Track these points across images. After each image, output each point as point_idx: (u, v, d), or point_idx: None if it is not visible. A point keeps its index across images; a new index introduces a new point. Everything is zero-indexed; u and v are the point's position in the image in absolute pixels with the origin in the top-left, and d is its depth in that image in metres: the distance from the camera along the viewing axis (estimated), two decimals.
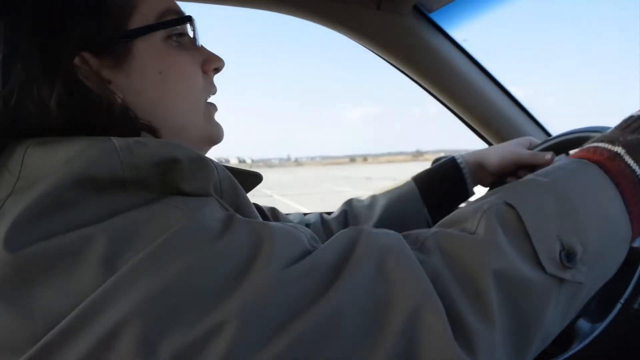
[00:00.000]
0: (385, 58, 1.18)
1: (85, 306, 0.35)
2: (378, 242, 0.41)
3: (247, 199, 0.49)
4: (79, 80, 0.49)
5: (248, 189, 0.58)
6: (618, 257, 0.49)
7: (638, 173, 0.50)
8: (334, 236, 0.43)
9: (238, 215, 0.42)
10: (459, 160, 0.87)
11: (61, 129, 0.48)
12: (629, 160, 0.50)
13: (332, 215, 0.89)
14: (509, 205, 0.45)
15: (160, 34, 0.54)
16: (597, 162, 0.50)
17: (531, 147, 0.86)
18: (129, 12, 0.53)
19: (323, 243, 0.86)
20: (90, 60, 0.51)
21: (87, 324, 0.35)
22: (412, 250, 0.42)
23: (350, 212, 0.87)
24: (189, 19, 0.56)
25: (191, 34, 0.57)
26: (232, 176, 0.47)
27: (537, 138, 1.19)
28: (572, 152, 0.55)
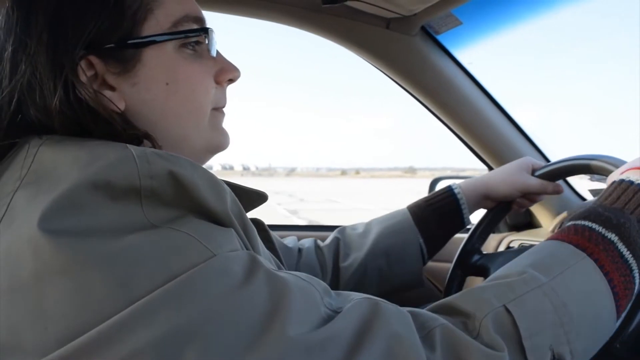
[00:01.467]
0: (392, 77, 1.20)
1: (100, 331, 0.35)
2: (391, 328, 0.42)
3: (251, 225, 0.49)
4: (79, 88, 0.48)
5: (251, 208, 0.57)
6: (598, 348, 0.51)
7: (630, 263, 0.51)
8: (351, 305, 0.44)
9: (258, 258, 0.43)
10: (456, 191, 0.86)
11: (64, 130, 0.48)
12: (622, 248, 0.51)
13: (325, 242, 0.88)
14: (508, 311, 0.46)
15: (173, 42, 0.52)
16: (592, 256, 0.50)
17: (534, 170, 0.87)
18: (144, 17, 0.51)
19: (319, 267, 0.84)
20: (97, 65, 0.50)
21: (100, 351, 0.35)
22: (419, 338, 0.43)
23: (342, 240, 0.87)
24: (205, 31, 0.55)
25: (207, 44, 0.56)
26: (238, 201, 0.47)
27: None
28: (564, 225, 0.55)
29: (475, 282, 1.19)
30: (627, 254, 0.51)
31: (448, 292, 0.90)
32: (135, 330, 0.35)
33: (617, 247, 0.51)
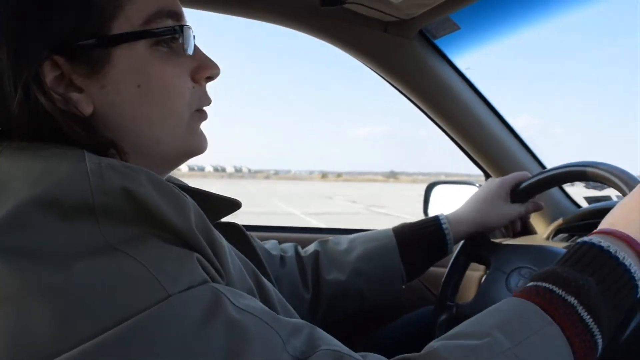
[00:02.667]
0: (389, 80, 1.19)
1: None
2: None
3: (219, 239, 0.46)
4: (39, 94, 0.45)
5: (222, 216, 0.55)
6: None
7: (591, 328, 0.49)
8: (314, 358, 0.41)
9: (220, 296, 0.40)
10: (444, 226, 0.87)
11: (28, 132, 0.46)
12: (582, 312, 0.49)
13: (306, 252, 0.87)
14: None
15: (145, 41, 0.49)
16: (554, 318, 0.49)
17: (512, 190, 0.89)
18: (113, 13, 0.48)
19: (300, 278, 0.83)
20: (63, 66, 0.47)
21: None
22: None
23: (323, 254, 0.85)
24: (180, 28, 0.51)
25: (182, 43, 0.52)
26: (203, 215, 0.45)
27: (531, 168, 1.22)
28: (526, 285, 0.54)
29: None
30: (587, 318, 0.49)
31: (448, 281, 0.91)
32: None
33: (577, 310, 0.49)
